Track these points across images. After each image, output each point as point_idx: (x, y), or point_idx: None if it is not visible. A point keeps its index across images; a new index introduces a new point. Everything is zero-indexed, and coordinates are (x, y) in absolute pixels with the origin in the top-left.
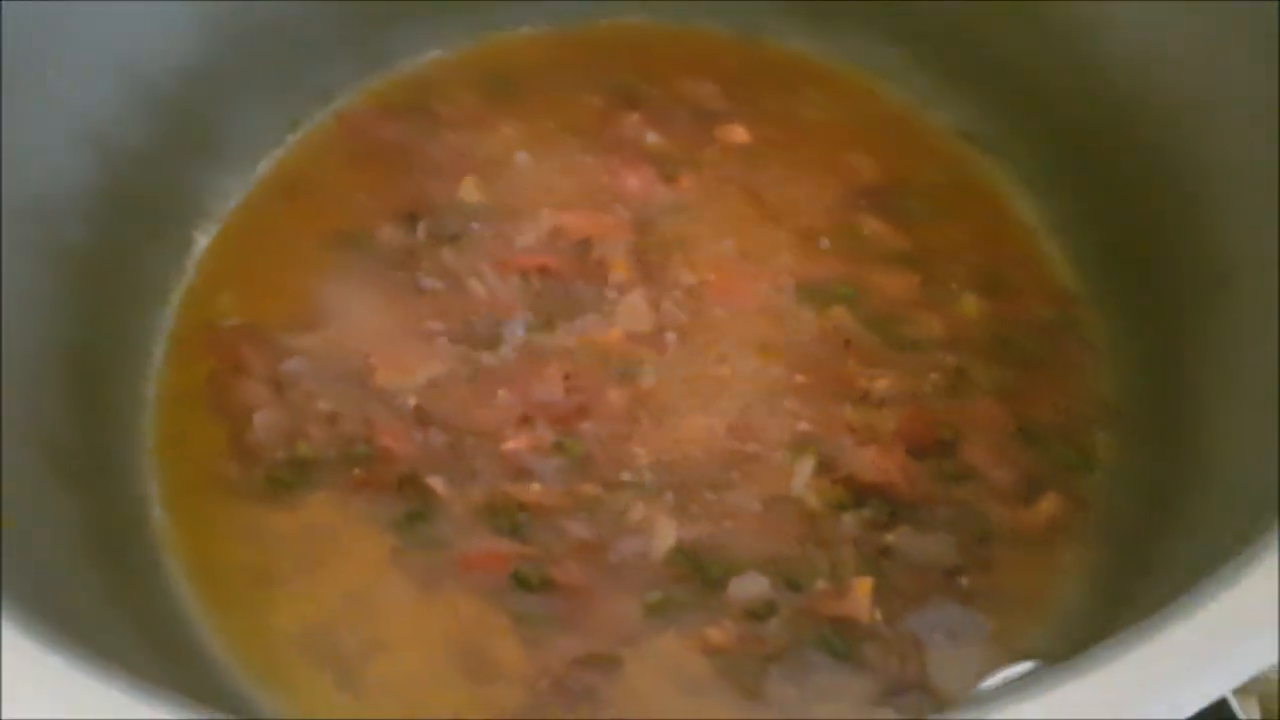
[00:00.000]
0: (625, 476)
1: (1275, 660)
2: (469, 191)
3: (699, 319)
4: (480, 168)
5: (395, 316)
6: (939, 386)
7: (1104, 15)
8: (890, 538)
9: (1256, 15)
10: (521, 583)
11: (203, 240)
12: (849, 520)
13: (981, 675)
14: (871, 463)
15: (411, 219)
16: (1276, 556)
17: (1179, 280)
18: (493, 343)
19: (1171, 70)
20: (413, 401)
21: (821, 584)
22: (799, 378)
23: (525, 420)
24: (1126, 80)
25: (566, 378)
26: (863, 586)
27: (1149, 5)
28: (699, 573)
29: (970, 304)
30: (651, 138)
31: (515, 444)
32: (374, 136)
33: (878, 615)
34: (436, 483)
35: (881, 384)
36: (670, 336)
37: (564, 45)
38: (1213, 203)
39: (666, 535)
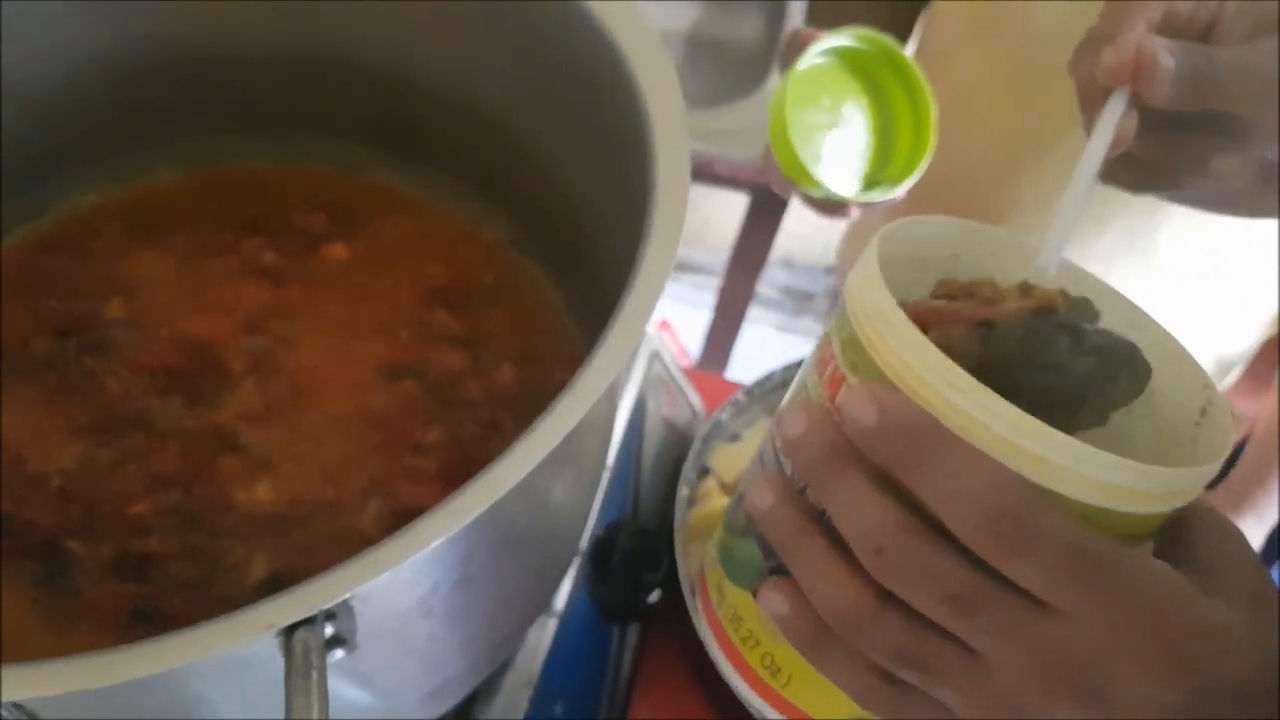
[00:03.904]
0: (227, 527)
1: None
2: (113, 309)
3: (299, 399)
4: (124, 290)
5: (45, 414)
6: (475, 434)
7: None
8: None
9: None
10: (139, 617)
11: None
12: None
13: None
14: (417, 494)
15: (63, 334)
16: None
17: None
18: (126, 430)
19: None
20: (57, 482)
21: None
22: (373, 437)
23: (149, 489)
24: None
25: (185, 453)
26: None
27: None
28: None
29: (507, 371)
30: (269, 257)
31: (140, 508)
32: (34, 269)
33: None
34: (74, 545)
35: (432, 435)
36: (275, 414)
37: (199, 185)
38: None
39: (259, 569)
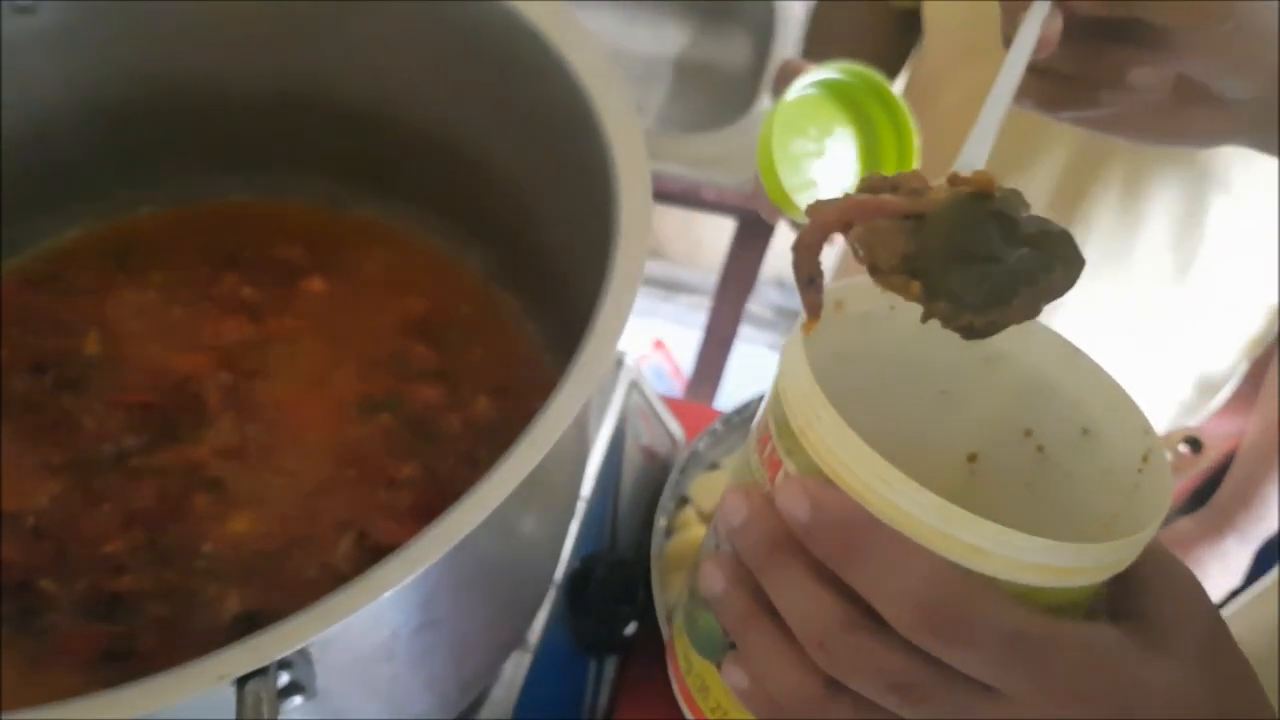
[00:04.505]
0: (201, 564)
1: None
2: (91, 345)
3: (275, 433)
4: (102, 325)
5: (21, 452)
6: (452, 467)
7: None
8: None
9: None
10: (112, 656)
11: None
12: None
13: None
14: (391, 531)
15: (40, 370)
16: None
17: None
18: (101, 467)
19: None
20: (31, 521)
21: None
22: (348, 472)
23: (123, 527)
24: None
25: (160, 490)
26: None
27: None
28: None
29: (484, 404)
30: (246, 291)
31: (113, 546)
32: (14, 304)
33: None
34: (47, 584)
35: (407, 470)
36: (251, 450)
37: (179, 221)
38: None
39: (231, 606)
